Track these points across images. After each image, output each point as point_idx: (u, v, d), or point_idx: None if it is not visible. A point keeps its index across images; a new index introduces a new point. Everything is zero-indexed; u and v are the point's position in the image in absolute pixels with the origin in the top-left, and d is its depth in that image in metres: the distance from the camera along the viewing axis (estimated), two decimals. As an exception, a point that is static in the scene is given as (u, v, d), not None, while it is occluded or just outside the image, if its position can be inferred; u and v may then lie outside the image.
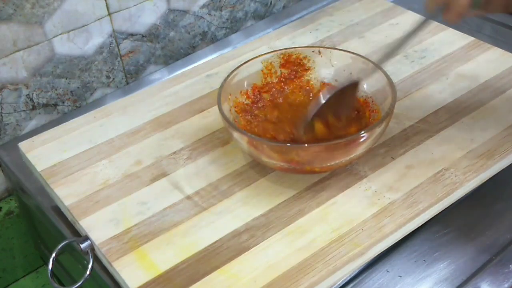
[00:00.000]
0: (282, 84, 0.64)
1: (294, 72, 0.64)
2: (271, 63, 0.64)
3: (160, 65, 0.84)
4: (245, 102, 0.62)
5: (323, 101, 0.56)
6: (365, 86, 0.61)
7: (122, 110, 0.68)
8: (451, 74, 0.69)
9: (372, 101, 0.60)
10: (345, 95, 0.58)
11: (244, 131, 0.55)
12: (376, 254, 0.52)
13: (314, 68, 0.64)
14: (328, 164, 0.54)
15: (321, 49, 0.64)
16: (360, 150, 0.54)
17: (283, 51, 0.64)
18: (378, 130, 0.53)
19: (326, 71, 0.64)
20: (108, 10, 0.74)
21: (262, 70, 0.63)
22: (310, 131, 0.56)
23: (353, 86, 0.58)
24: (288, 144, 0.55)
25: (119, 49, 0.78)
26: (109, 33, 0.76)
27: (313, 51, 0.64)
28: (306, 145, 0.55)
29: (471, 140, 0.60)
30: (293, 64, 0.64)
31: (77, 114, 0.69)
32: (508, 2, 0.54)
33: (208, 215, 0.54)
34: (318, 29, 0.80)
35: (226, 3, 0.86)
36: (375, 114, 0.59)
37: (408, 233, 0.53)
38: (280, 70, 0.64)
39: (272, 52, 0.64)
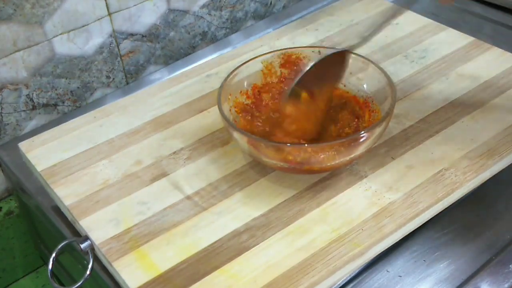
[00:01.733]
0: (282, 84, 0.64)
1: (294, 72, 0.64)
2: (271, 63, 0.64)
3: (160, 65, 0.84)
4: (245, 102, 0.62)
5: (308, 69, 0.58)
6: (365, 86, 0.61)
7: (122, 110, 0.68)
8: (451, 74, 0.69)
9: (372, 101, 0.60)
10: (333, 64, 0.59)
11: (244, 131, 0.55)
12: (376, 254, 0.52)
13: None
14: (328, 164, 0.54)
15: (321, 49, 0.64)
16: (360, 150, 0.54)
17: (283, 51, 0.64)
18: (378, 130, 0.53)
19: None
20: (108, 10, 0.74)
21: (262, 70, 0.63)
22: (295, 99, 0.58)
23: (341, 55, 0.59)
24: (288, 144, 0.55)
25: (119, 49, 0.78)
26: (109, 33, 0.76)
27: (313, 51, 0.64)
28: (306, 145, 0.55)
29: (471, 140, 0.60)
30: (293, 64, 0.64)
31: (77, 114, 0.69)
32: None
33: (208, 215, 0.54)
34: (318, 29, 0.80)
35: (226, 3, 0.86)
36: (375, 114, 0.59)
37: (408, 233, 0.53)
38: (280, 70, 0.64)
39: (272, 52, 0.63)
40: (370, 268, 0.54)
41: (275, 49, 0.64)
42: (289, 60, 0.64)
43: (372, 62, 0.60)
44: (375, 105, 0.59)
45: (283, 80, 0.64)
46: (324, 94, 0.59)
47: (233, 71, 0.60)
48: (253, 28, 0.90)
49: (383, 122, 0.53)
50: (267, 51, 0.64)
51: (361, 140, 0.53)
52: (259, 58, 0.63)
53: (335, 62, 0.59)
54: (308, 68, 0.58)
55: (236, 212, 0.55)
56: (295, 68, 0.64)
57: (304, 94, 0.59)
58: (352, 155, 0.54)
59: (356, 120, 0.60)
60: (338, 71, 0.60)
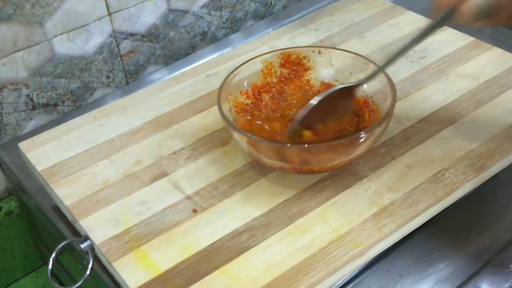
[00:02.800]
0: (282, 84, 0.64)
1: (294, 72, 0.64)
2: (271, 63, 0.64)
3: (160, 65, 0.84)
4: (245, 102, 0.62)
5: (311, 106, 0.56)
6: (365, 86, 0.61)
7: (122, 110, 0.68)
8: (451, 74, 0.69)
9: (372, 101, 0.60)
10: (339, 99, 0.57)
11: (244, 131, 0.55)
12: (376, 254, 0.52)
13: (314, 68, 0.64)
14: (328, 164, 0.54)
15: (321, 49, 0.64)
16: (360, 150, 0.54)
17: (283, 51, 0.64)
18: (378, 130, 0.53)
19: (326, 71, 0.64)
20: (108, 10, 0.74)
21: (262, 70, 0.63)
22: (297, 137, 0.56)
23: (348, 90, 0.58)
24: (288, 145, 0.55)
25: (119, 49, 0.78)
26: (109, 33, 0.76)
27: (313, 51, 0.64)
28: (306, 145, 0.55)
29: (471, 140, 0.60)
30: (293, 64, 0.64)
31: (77, 114, 0.69)
32: None
33: (208, 215, 0.54)
34: (318, 29, 0.80)
35: (226, 3, 0.86)
36: (375, 114, 0.59)
37: (408, 233, 0.53)
38: (280, 70, 0.64)
39: (272, 52, 0.63)
40: (370, 268, 0.54)
41: (275, 49, 0.64)
42: (289, 60, 0.64)
43: (372, 62, 0.60)
44: (375, 105, 0.59)
45: (283, 80, 0.64)
46: (329, 130, 0.58)
47: (233, 71, 0.60)
48: (253, 28, 0.90)
49: (383, 122, 0.53)
50: (267, 51, 0.64)
51: (361, 140, 0.53)
52: (259, 58, 0.63)
53: (341, 96, 0.58)
54: (312, 105, 0.56)
55: (236, 212, 0.55)
56: (294, 68, 0.64)
57: (307, 133, 0.57)
58: (352, 155, 0.54)
59: (356, 119, 0.60)
60: (345, 104, 0.59)
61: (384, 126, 0.54)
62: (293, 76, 0.64)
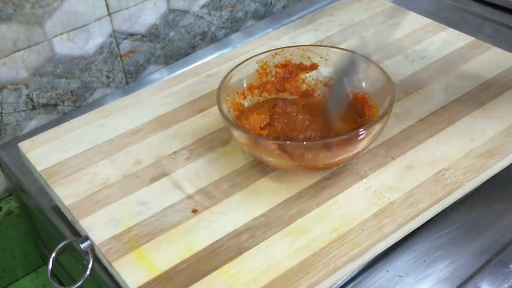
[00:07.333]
0: (278, 83, 0.64)
1: (289, 72, 0.64)
2: (266, 63, 0.63)
3: (160, 65, 0.84)
4: (242, 103, 0.62)
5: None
6: (363, 84, 0.61)
7: (122, 110, 0.68)
8: (451, 74, 0.69)
9: (369, 97, 0.60)
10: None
11: (244, 130, 0.55)
12: (376, 254, 0.52)
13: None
14: (329, 162, 0.54)
15: (303, 46, 0.64)
16: (360, 147, 0.54)
17: (276, 50, 0.64)
18: (377, 127, 0.53)
19: (322, 68, 0.64)
20: (108, 10, 0.74)
21: (257, 71, 0.63)
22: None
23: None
24: (288, 142, 0.55)
25: (119, 49, 0.78)
26: (109, 33, 0.76)
27: (302, 49, 0.64)
28: (304, 142, 0.55)
29: (471, 140, 0.60)
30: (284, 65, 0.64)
31: (77, 114, 0.69)
32: None
33: (208, 215, 0.54)
34: (318, 29, 0.80)
35: (226, 3, 0.86)
36: (373, 110, 0.59)
37: (408, 233, 0.54)
38: (275, 70, 0.64)
39: (266, 52, 0.63)
40: (370, 268, 0.54)
41: (270, 49, 0.64)
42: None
43: (372, 61, 0.60)
44: (372, 100, 0.59)
45: (279, 79, 0.64)
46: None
47: (230, 71, 0.60)
48: (253, 28, 0.90)
49: (382, 118, 0.53)
50: (264, 51, 0.64)
51: (360, 137, 0.53)
52: (254, 58, 0.62)
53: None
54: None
55: (236, 212, 0.55)
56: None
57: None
58: (352, 152, 0.54)
59: (360, 119, 0.60)
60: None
61: (383, 123, 0.54)
62: (288, 75, 0.64)
